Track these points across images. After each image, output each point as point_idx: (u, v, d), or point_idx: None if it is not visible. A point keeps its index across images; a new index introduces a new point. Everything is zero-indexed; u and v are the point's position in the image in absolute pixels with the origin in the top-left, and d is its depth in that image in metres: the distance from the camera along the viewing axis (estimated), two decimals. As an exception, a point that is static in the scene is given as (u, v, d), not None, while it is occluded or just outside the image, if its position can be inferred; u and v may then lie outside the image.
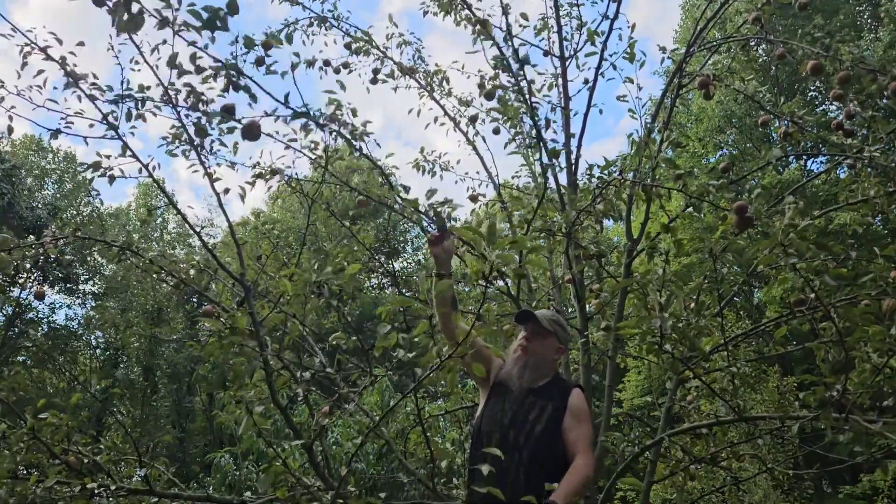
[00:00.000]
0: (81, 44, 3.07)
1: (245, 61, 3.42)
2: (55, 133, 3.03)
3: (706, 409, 5.99)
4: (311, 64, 4.16)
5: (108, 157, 3.08)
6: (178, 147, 3.17)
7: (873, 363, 2.60)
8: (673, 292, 3.00)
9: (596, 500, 3.74)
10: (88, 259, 20.79)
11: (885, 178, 3.05)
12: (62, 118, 3.05)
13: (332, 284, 2.54)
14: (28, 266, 18.95)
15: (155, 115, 3.12)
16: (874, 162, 2.98)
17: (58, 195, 22.17)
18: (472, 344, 2.51)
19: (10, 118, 3.12)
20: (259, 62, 3.59)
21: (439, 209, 3.02)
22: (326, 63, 4.26)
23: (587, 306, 4.00)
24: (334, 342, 2.96)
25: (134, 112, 3.07)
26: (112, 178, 3.09)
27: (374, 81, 4.55)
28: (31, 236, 3.13)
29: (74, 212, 22.21)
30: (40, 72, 3.01)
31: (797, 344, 9.39)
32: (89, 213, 22.52)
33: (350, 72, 4.44)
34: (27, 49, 3.00)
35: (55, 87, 3.00)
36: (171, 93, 3.09)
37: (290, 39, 3.96)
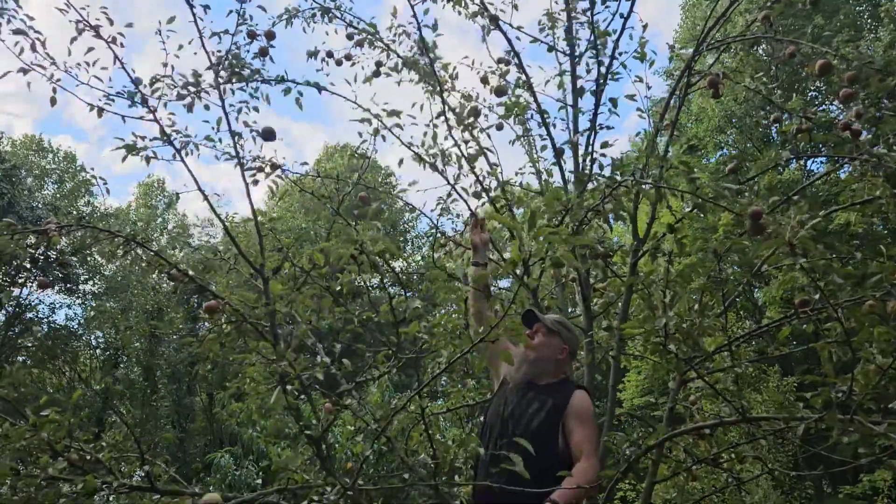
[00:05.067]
0: (130, 25, 3.15)
1: (248, 51, 3.45)
2: (99, 111, 3.08)
3: (708, 409, 5.98)
4: (313, 55, 4.09)
5: (142, 137, 3.11)
6: (216, 133, 3.22)
7: (878, 364, 2.59)
8: (677, 292, 3.00)
9: (597, 500, 3.74)
10: (88, 259, 20.78)
11: (890, 179, 3.04)
12: (104, 96, 3.09)
13: (372, 249, 2.50)
14: (28, 265, 18.94)
15: (200, 98, 3.18)
16: (883, 162, 2.97)
17: (58, 195, 22.18)
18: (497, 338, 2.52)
19: (54, 90, 3.14)
20: (263, 52, 3.58)
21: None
22: (329, 55, 4.17)
23: (592, 305, 3.98)
24: (363, 315, 2.94)
25: (186, 100, 3.12)
26: (147, 160, 3.11)
27: (376, 74, 4.41)
28: (31, 236, 3.11)
29: (74, 212, 22.21)
30: (90, 49, 3.05)
31: (798, 344, 9.38)
32: (90, 212, 22.51)
33: (353, 64, 4.34)
34: (80, 26, 3.05)
35: (104, 67, 3.06)
36: (220, 79, 3.15)
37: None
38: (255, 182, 3.32)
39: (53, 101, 3.17)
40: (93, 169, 23.17)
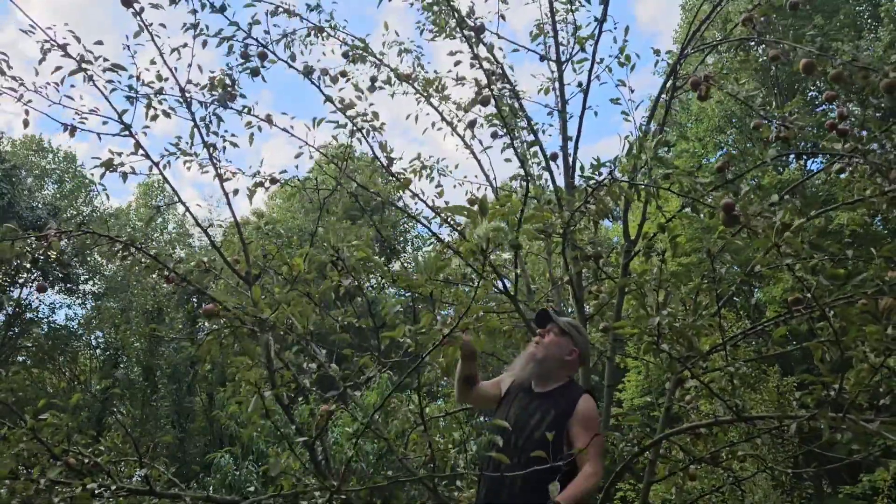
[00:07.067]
0: (100, 42, 3.13)
1: (241, 72, 3.50)
2: (72, 130, 3.08)
3: (705, 408, 5.98)
4: (309, 72, 4.15)
5: (119, 154, 3.12)
6: (190, 147, 3.24)
7: (870, 363, 2.60)
8: (670, 292, 3.01)
9: (595, 500, 3.75)
10: (88, 259, 20.80)
11: (879, 176, 3.05)
12: (76, 114, 3.10)
13: (350, 257, 2.50)
14: (28, 266, 18.96)
15: (169, 116, 3.19)
16: (868, 159, 2.98)
17: (58, 195, 22.19)
18: (476, 389, 2.72)
19: (27, 112, 3.15)
20: (254, 73, 3.65)
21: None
22: (324, 72, 4.24)
23: (586, 307, 4.00)
24: (344, 321, 2.95)
25: (150, 112, 3.14)
26: (124, 176, 3.13)
27: (371, 89, 4.53)
28: (32, 240, 3.13)
29: (74, 212, 22.22)
30: (58, 68, 3.05)
31: (796, 344, 9.38)
32: (89, 213, 22.53)
33: (348, 80, 4.42)
34: (46, 46, 3.05)
35: (72, 86, 3.06)
36: (186, 94, 3.16)
37: (288, 47, 4.00)
38: (236, 192, 3.34)
39: (26, 123, 3.20)
40: (92, 174, 23.13)
